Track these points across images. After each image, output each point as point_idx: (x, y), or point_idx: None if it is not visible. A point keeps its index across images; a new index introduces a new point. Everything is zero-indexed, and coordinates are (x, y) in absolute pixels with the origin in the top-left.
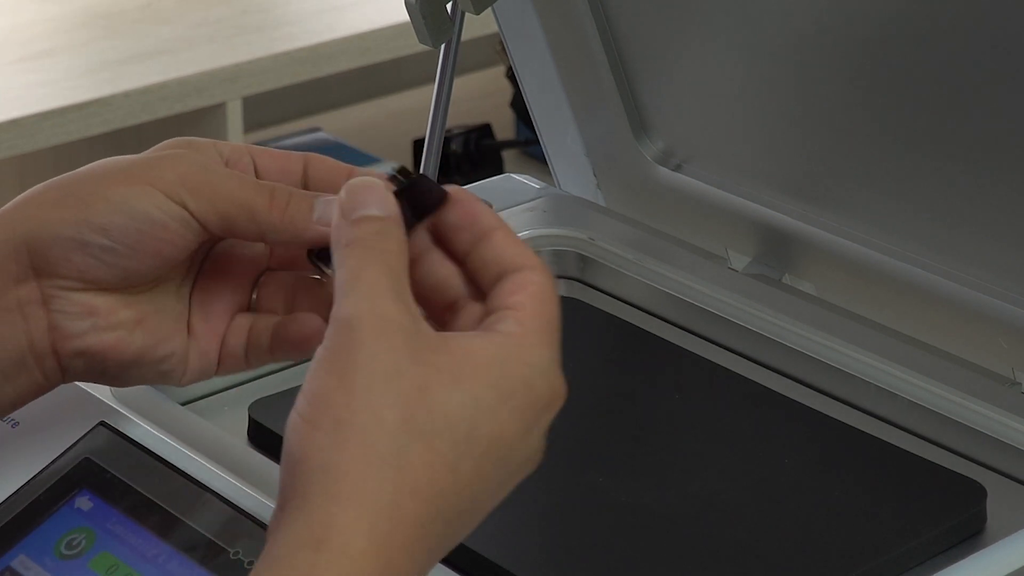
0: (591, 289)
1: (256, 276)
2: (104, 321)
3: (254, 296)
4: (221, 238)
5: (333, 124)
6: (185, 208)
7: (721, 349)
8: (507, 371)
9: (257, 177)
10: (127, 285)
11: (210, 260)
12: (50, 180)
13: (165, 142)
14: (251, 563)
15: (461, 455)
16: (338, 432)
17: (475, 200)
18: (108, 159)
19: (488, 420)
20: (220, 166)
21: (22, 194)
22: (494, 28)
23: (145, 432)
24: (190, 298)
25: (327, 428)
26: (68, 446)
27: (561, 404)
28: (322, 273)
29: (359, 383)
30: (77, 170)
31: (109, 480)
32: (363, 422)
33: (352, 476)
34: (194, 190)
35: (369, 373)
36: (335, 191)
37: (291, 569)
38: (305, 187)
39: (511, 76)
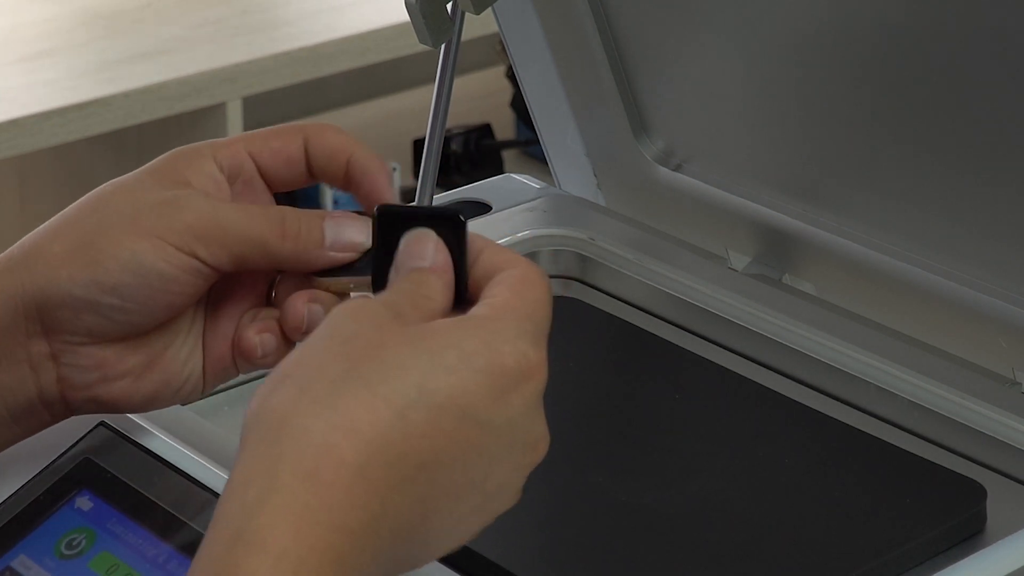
0: (591, 289)
1: (271, 279)
2: (113, 371)
3: (273, 293)
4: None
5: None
6: (196, 257)
7: (721, 349)
8: (470, 335)
9: (261, 176)
10: (137, 334)
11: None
12: (57, 222)
13: (166, 154)
14: None
15: (411, 403)
16: (281, 382)
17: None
18: (113, 195)
19: (445, 375)
20: (226, 202)
21: (29, 240)
22: (494, 28)
23: (145, 432)
24: (204, 316)
25: (273, 382)
26: (68, 446)
27: (541, 381)
28: (327, 289)
29: (314, 345)
30: (82, 209)
31: (109, 480)
32: (305, 372)
33: (280, 415)
34: (204, 236)
35: (327, 337)
36: (338, 173)
37: (224, 513)
38: (309, 170)
39: (511, 76)
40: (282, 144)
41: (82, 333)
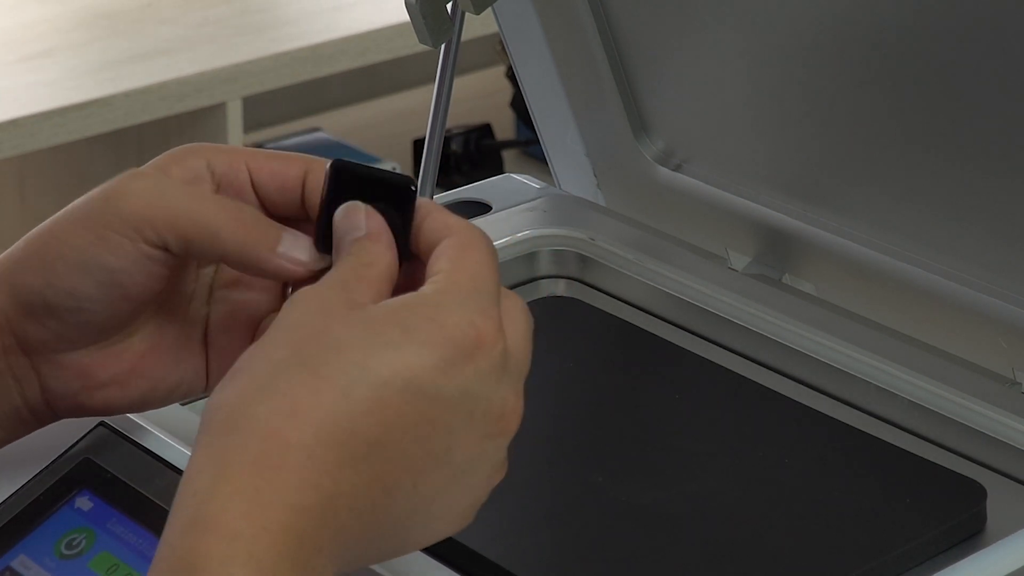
0: (591, 289)
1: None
2: (95, 379)
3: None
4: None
5: (333, 124)
6: (143, 241)
7: (721, 349)
8: (412, 312)
9: (254, 191)
10: (113, 334)
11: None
12: (28, 234)
13: (165, 154)
14: None
15: (353, 381)
16: (232, 377)
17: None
18: (77, 202)
19: (388, 351)
20: (181, 186)
21: (4, 253)
22: (494, 28)
23: (145, 432)
24: (207, 316)
25: (226, 378)
26: (68, 446)
27: (494, 348)
28: None
29: (264, 338)
30: (48, 220)
31: (109, 480)
32: (252, 364)
33: (228, 407)
34: (150, 219)
35: (275, 328)
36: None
37: (179, 502)
38: (302, 200)
39: (511, 76)
40: (281, 168)
41: (53, 341)
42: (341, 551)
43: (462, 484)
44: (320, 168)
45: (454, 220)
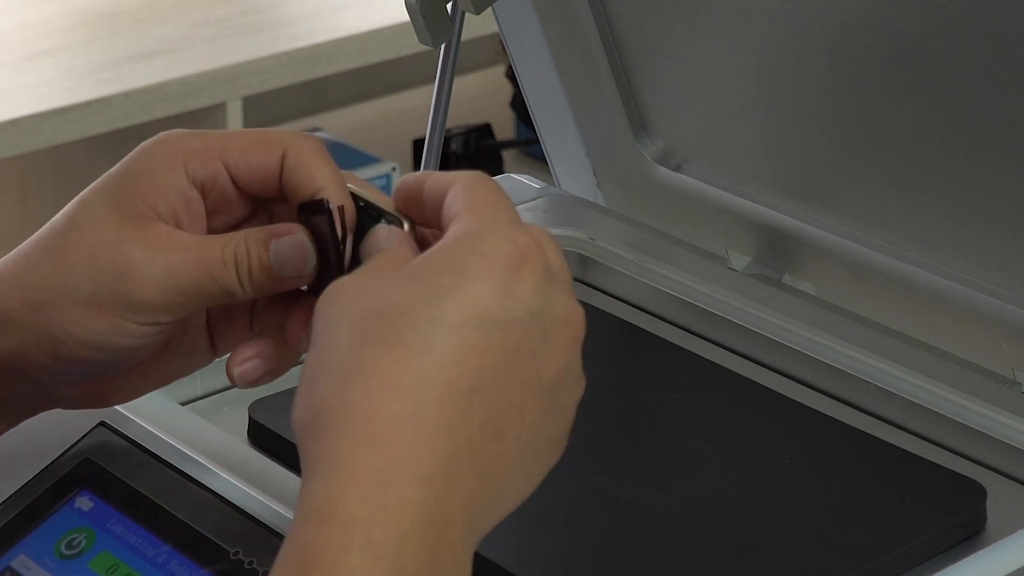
0: (591, 289)
1: None
2: (104, 391)
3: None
4: None
5: (333, 124)
6: (157, 323)
7: (721, 349)
8: (451, 254)
9: (235, 186)
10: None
11: None
12: (19, 267)
13: (132, 166)
14: (251, 563)
15: (429, 336)
16: (308, 385)
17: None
18: (73, 246)
19: (448, 297)
20: (179, 254)
21: None
22: (494, 28)
23: (145, 432)
24: (207, 320)
25: (301, 391)
26: (68, 446)
27: (538, 258)
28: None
29: (316, 344)
30: (42, 257)
31: (109, 480)
32: (321, 364)
33: (319, 407)
34: (163, 306)
35: (321, 332)
36: (304, 198)
37: (299, 501)
38: (280, 182)
39: (511, 76)
40: (260, 160)
41: (62, 383)
42: (475, 516)
43: (557, 406)
44: (297, 149)
45: (453, 174)
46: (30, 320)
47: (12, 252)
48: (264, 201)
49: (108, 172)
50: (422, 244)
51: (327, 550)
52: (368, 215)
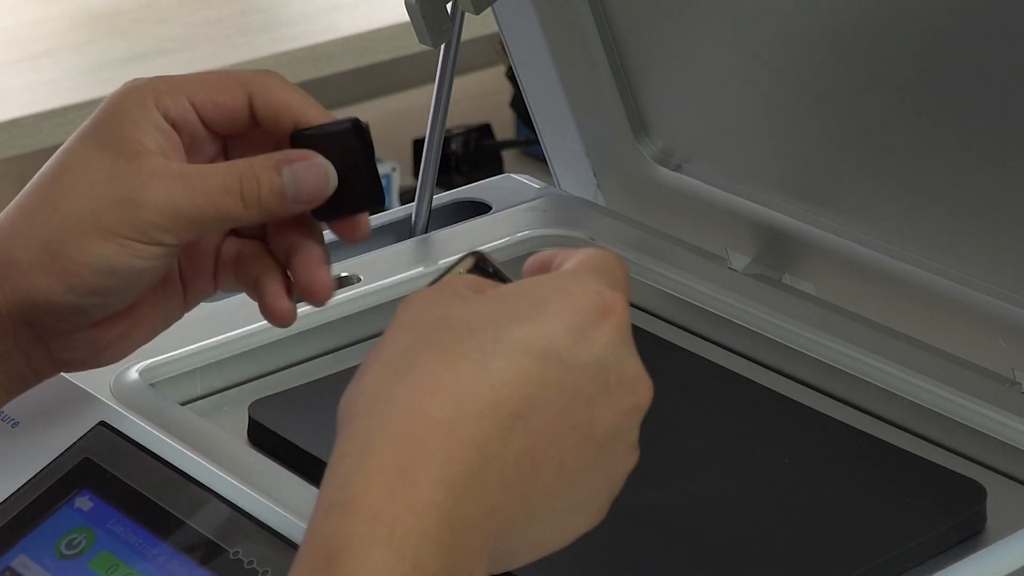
0: None
1: None
2: (102, 342)
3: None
4: None
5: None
6: (164, 244)
7: (721, 349)
8: (539, 286)
9: (203, 125)
10: (130, 300)
11: None
12: (16, 218)
13: (109, 108)
14: (251, 563)
15: (489, 353)
16: (361, 373)
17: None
18: (69, 188)
19: (520, 323)
20: (181, 180)
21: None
22: (494, 28)
23: (145, 432)
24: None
25: (355, 378)
26: (68, 446)
27: (622, 317)
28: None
29: (384, 336)
30: (40, 203)
31: (109, 480)
32: (378, 356)
33: (364, 396)
34: (168, 227)
35: (392, 326)
36: (286, 129)
37: (322, 489)
38: (254, 121)
39: (511, 76)
40: (227, 99)
41: (69, 326)
42: (495, 533)
43: (603, 465)
44: (261, 86)
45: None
46: (38, 260)
47: (3, 211)
48: (231, 139)
49: (84, 124)
50: None
51: (352, 542)
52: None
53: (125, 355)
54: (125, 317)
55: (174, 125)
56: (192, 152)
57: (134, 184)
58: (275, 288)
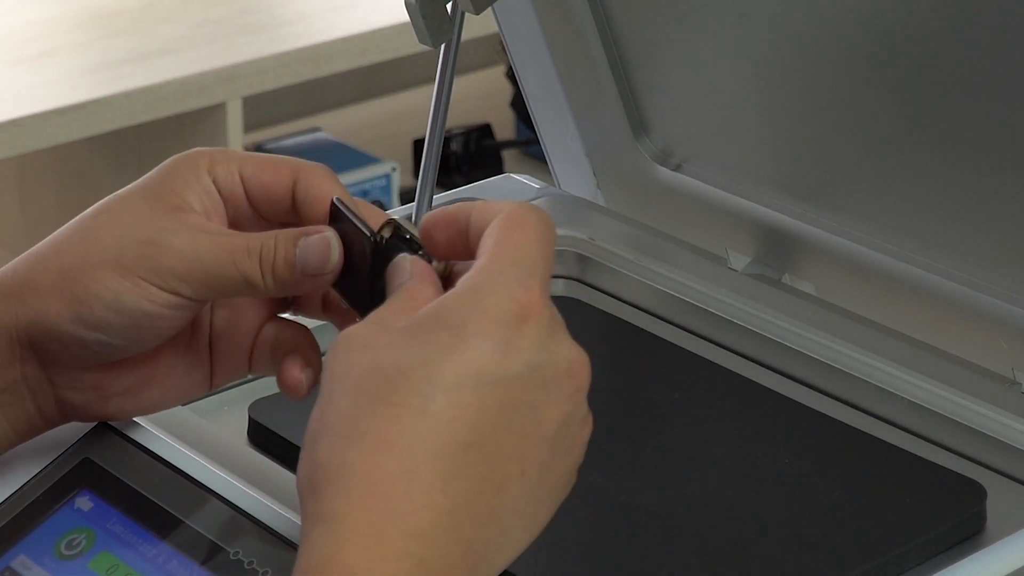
0: (591, 289)
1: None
2: (109, 391)
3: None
4: None
5: (333, 124)
6: (179, 295)
7: (721, 349)
8: (453, 309)
9: (247, 197)
10: (131, 356)
11: None
12: (48, 247)
13: (165, 166)
14: (251, 563)
15: (426, 396)
16: (313, 443)
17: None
18: (103, 225)
19: (446, 357)
20: (207, 237)
21: (23, 264)
22: (494, 28)
23: (145, 432)
24: (211, 322)
25: (306, 448)
26: (68, 446)
27: (541, 315)
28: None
29: (323, 394)
30: (71, 235)
31: (109, 480)
32: (325, 422)
33: (320, 468)
34: (186, 277)
35: (328, 382)
36: (321, 220)
37: (299, 554)
38: (293, 205)
39: (511, 76)
40: (272, 179)
41: (73, 362)
42: (474, 565)
43: (560, 450)
44: (308, 175)
45: (501, 204)
46: (55, 284)
47: (38, 244)
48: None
49: (137, 180)
50: (452, 278)
51: None
52: (397, 246)
53: (133, 414)
54: (135, 369)
55: (221, 194)
56: (235, 226)
57: (164, 228)
58: (297, 360)
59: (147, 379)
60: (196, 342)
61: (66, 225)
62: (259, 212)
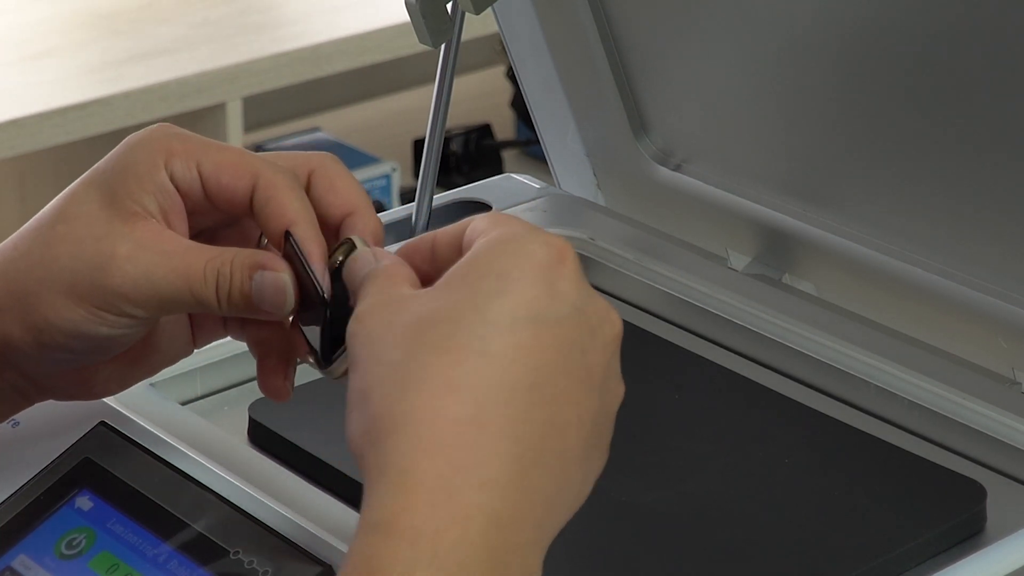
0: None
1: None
2: (92, 380)
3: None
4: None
5: (333, 124)
6: (135, 317)
7: (721, 349)
8: (488, 258)
9: (204, 194)
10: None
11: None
12: (4, 258)
13: (119, 163)
14: (251, 563)
15: (484, 338)
16: (361, 398)
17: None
18: (58, 242)
19: (498, 300)
20: (160, 255)
21: None
22: (494, 28)
23: (145, 432)
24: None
25: (354, 405)
26: (68, 446)
27: (573, 257)
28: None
29: (359, 361)
30: (29, 250)
31: (109, 480)
32: (373, 377)
33: (375, 418)
34: (139, 302)
35: (367, 347)
36: (277, 231)
37: (364, 507)
38: (251, 210)
39: (511, 76)
40: (230, 182)
41: (49, 368)
42: (543, 518)
43: (605, 401)
44: (268, 186)
45: (464, 221)
46: (15, 307)
47: (2, 243)
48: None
49: (95, 167)
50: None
51: (393, 565)
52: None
53: (123, 389)
54: (116, 359)
55: (179, 190)
56: (197, 215)
57: (117, 252)
58: (272, 363)
59: (130, 361)
60: (173, 320)
61: (23, 229)
62: (217, 208)
